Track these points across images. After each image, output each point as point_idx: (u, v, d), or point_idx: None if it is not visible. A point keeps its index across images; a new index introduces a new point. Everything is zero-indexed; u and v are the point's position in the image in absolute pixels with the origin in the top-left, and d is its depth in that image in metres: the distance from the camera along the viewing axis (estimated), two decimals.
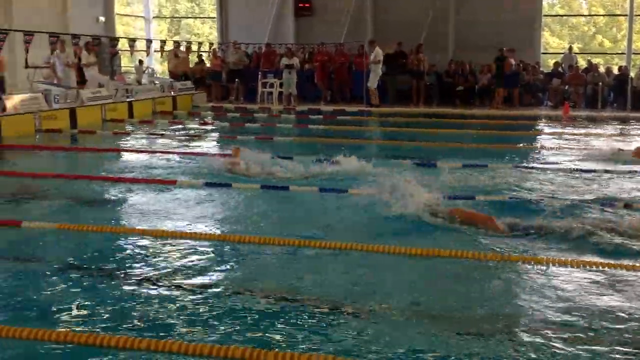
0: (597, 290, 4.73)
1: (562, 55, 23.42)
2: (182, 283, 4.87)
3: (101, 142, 12.94)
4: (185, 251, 5.62)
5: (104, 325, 4.11)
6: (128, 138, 13.48)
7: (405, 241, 5.69)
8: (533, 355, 3.69)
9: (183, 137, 13.64)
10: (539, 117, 18.60)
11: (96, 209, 7.28)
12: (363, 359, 3.67)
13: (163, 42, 23.88)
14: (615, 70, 21.14)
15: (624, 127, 16.40)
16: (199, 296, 4.62)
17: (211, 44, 25.75)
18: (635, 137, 13.90)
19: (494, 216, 6.30)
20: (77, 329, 4.01)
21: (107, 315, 4.26)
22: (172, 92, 20.10)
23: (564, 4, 33.03)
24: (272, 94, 21.24)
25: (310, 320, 4.19)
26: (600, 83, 20.18)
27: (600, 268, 5.11)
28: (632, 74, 20.41)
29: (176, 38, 27.78)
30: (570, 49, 23.74)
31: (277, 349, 3.69)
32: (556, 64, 22.41)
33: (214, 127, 16.02)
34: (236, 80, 22.16)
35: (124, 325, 4.10)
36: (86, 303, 4.48)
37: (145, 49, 22.63)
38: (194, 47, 24.68)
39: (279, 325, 4.10)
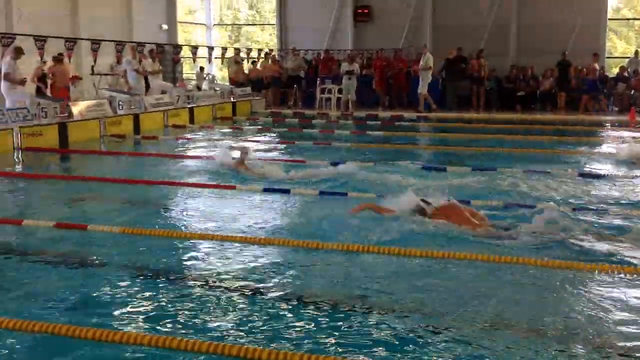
0: None
1: (628, 59, 22.76)
2: (240, 287, 4.92)
3: (163, 147, 13.22)
4: (243, 255, 5.69)
5: (166, 327, 4.20)
6: (189, 143, 13.74)
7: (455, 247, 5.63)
8: None
9: (241, 142, 13.79)
10: (604, 123, 18.11)
11: (158, 213, 7.43)
12: None
13: (224, 49, 24.27)
14: None
15: None
16: (259, 301, 4.66)
17: (270, 50, 26.04)
18: None
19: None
20: (137, 331, 4.09)
21: (168, 318, 4.35)
22: (232, 98, 20.41)
23: (630, 7, 32.01)
24: (330, 100, 21.32)
25: (374, 329, 4.17)
26: None
27: None
28: None
29: (236, 45, 28.15)
30: (637, 53, 23.00)
31: (334, 356, 3.70)
32: (622, 68, 21.81)
33: (272, 133, 16.17)
34: (294, 86, 22.34)
35: (186, 328, 4.18)
36: (147, 305, 4.58)
37: (207, 56, 23.04)
38: (254, 54, 25.00)
39: (335, 332, 4.11)
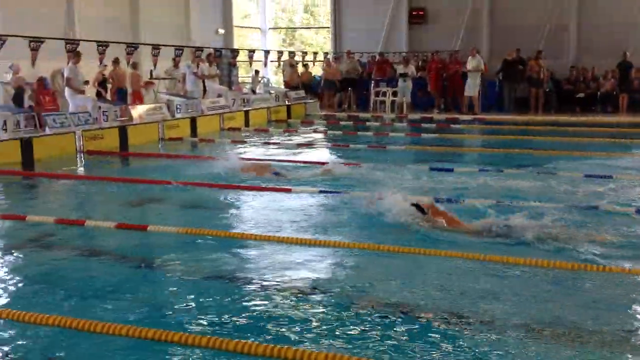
0: None
1: None
2: (295, 289, 4.94)
3: (219, 149, 13.41)
4: (299, 257, 5.72)
5: (225, 329, 4.25)
6: (244, 146, 13.90)
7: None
8: None
9: (296, 145, 13.88)
10: None
11: (214, 215, 7.52)
12: None
13: (280, 52, 24.48)
14: None
15: None
16: (316, 303, 4.67)
17: (326, 53, 26.14)
18: None
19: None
20: (193, 331, 4.15)
21: (228, 320, 4.40)
22: (287, 101, 20.56)
23: None
24: (384, 103, 21.25)
25: (431, 334, 4.14)
26: None
27: None
28: None
29: (291, 49, 28.34)
30: None
31: None
32: None
33: (326, 136, 16.21)
34: (349, 89, 22.35)
35: (244, 330, 4.22)
36: (204, 306, 4.64)
37: (262, 59, 23.27)
38: (309, 57, 25.13)
39: (391, 336, 4.09)
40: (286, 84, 22.94)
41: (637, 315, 4.45)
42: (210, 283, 5.16)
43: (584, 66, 21.17)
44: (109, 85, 16.25)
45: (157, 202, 8.39)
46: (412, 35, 25.27)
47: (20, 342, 4.08)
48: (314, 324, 4.30)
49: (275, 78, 26.51)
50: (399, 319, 4.34)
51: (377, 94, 21.56)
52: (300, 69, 24.11)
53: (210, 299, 4.76)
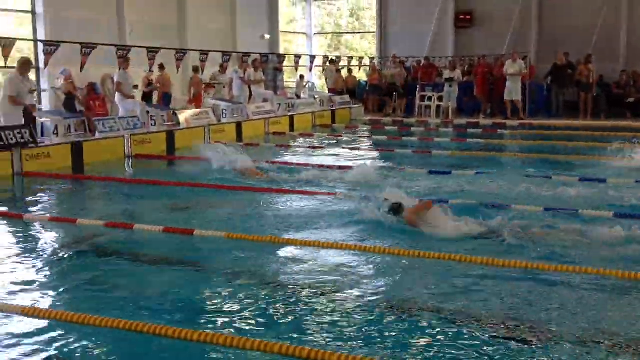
0: None
1: None
2: (339, 293, 4.96)
3: (264, 154, 13.50)
4: (343, 262, 5.73)
5: (267, 332, 4.28)
6: (289, 150, 13.97)
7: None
8: None
9: (341, 150, 13.89)
10: None
11: (259, 219, 7.58)
12: None
13: (326, 57, 24.56)
14: None
15: None
16: (359, 309, 4.68)
17: (371, 58, 26.11)
18: None
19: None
20: (241, 335, 4.18)
21: (273, 323, 4.45)
22: (332, 106, 20.60)
23: None
24: (430, 108, 21.11)
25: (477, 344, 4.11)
26: None
27: None
28: None
29: (336, 54, 28.40)
30: None
31: None
32: None
33: (371, 141, 16.17)
34: (394, 93, 22.27)
35: (288, 333, 4.25)
36: (248, 309, 4.69)
37: (307, 64, 23.37)
38: (354, 62, 25.14)
39: (433, 343, 4.07)
40: (330, 89, 22.99)
41: None
42: (253, 286, 5.21)
43: (634, 70, 20.68)
44: (156, 90, 16.52)
45: (202, 205, 8.49)
46: (458, 39, 25.05)
47: (69, 344, 4.18)
48: (357, 328, 4.30)
49: (320, 82, 26.59)
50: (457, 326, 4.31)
51: (422, 98, 21.43)
52: (344, 73, 24.14)
53: (252, 303, 4.81)
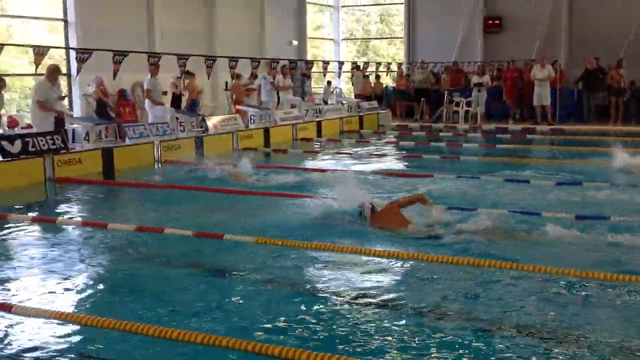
0: None
1: None
2: (369, 300, 4.95)
3: (292, 160, 13.54)
4: (371, 269, 5.73)
5: (296, 339, 4.30)
6: (317, 156, 13.99)
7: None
8: None
9: (369, 156, 13.87)
10: None
11: (288, 225, 7.58)
12: None
13: (354, 63, 24.56)
14: None
15: None
16: (390, 315, 4.67)
17: (399, 64, 26.06)
18: None
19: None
20: (267, 341, 4.18)
21: (300, 330, 4.45)
22: (359, 112, 20.59)
23: None
24: (458, 113, 20.99)
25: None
26: None
27: None
28: None
29: (363, 59, 28.40)
30: None
31: None
32: None
33: (399, 147, 16.13)
34: (422, 99, 22.20)
35: (314, 341, 4.26)
36: (278, 316, 4.70)
37: (336, 70, 23.41)
38: (382, 68, 25.12)
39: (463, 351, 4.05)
40: (357, 95, 22.99)
41: None
42: (283, 292, 5.23)
43: None
44: (183, 96, 16.64)
45: (231, 210, 8.54)
46: (487, 44, 24.90)
47: (99, 349, 4.23)
48: (393, 336, 4.29)
49: (347, 88, 26.60)
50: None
51: (450, 103, 21.32)
52: (372, 79, 24.12)
53: (285, 309, 4.83)
